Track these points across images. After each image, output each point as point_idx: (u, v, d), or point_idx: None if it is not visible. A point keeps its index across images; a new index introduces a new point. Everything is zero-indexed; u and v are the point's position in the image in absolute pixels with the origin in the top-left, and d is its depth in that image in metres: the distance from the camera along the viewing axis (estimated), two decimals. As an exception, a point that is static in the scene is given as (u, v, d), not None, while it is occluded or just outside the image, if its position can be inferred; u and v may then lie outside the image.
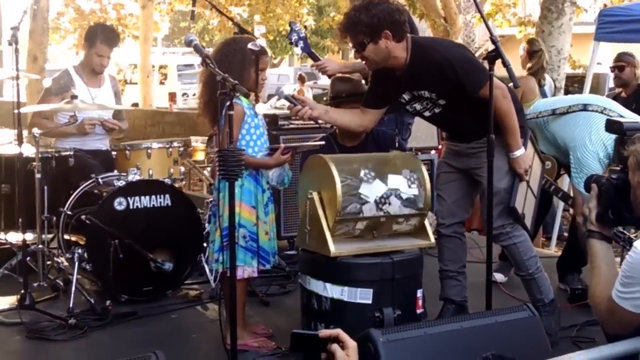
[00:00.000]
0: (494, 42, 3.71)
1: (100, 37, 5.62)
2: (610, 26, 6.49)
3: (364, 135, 4.48)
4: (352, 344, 2.13)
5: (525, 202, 4.27)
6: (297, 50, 5.25)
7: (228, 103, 3.35)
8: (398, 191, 3.76)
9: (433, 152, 6.61)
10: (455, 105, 4.02)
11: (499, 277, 5.63)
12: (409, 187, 3.79)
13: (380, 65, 3.99)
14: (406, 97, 4.07)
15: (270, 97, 21.77)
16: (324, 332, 2.13)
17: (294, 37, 5.13)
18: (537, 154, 4.43)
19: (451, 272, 4.37)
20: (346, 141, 4.52)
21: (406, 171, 3.83)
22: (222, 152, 3.33)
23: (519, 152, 4.09)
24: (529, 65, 6.77)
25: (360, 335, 2.76)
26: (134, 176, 4.94)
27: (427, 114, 4.14)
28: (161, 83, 25.58)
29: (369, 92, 4.25)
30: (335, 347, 2.10)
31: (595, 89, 13.70)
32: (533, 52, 6.83)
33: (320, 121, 4.15)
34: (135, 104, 21.93)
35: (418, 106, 4.11)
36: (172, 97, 22.76)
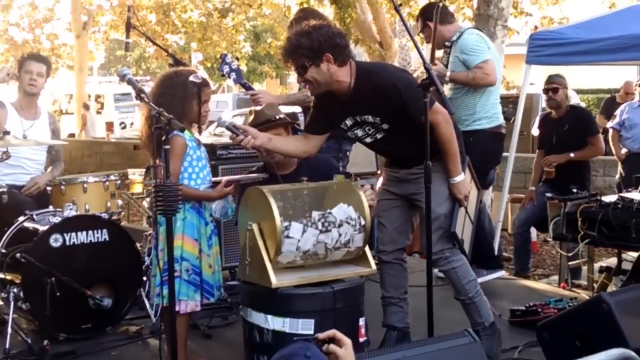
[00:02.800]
0: (427, 69, 3.75)
1: (26, 57, 5.66)
2: (541, 49, 6.62)
3: (296, 163, 4.45)
4: (347, 341, 2.36)
5: (464, 228, 4.32)
6: (230, 81, 5.24)
7: (164, 137, 3.32)
8: (337, 221, 3.75)
9: (372, 177, 6.64)
10: (397, 130, 4.04)
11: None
12: (348, 217, 3.79)
13: (323, 89, 3.99)
14: (348, 122, 4.09)
15: (210, 123, 21.73)
16: (322, 335, 2.36)
17: (226, 69, 5.11)
18: (473, 180, 4.48)
19: (393, 299, 4.38)
20: (280, 170, 4.38)
21: (345, 200, 3.82)
22: (160, 187, 3.30)
23: (459, 178, 4.13)
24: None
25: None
26: (69, 211, 4.86)
27: (368, 140, 4.15)
28: (98, 112, 25.26)
29: (312, 118, 4.24)
30: (333, 347, 2.31)
31: (528, 109, 13.96)
32: None
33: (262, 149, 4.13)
34: (72, 135, 21.63)
35: (359, 132, 4.12)
36: (110, 126, 22.50)
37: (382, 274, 4.39)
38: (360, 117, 4.04)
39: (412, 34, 4.05)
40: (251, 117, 4.47)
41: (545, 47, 6.62)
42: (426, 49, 5.77)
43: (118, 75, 3.71)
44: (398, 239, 4.35)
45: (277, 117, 4.44)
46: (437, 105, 3.97)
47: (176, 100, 3.93)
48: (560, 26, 10.00)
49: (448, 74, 5.56)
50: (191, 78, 4.02)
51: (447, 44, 5.86)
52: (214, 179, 4.14)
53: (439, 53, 6.09)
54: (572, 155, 6.74)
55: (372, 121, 4.04)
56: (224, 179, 4.07)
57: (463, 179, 4.15)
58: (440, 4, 5.88)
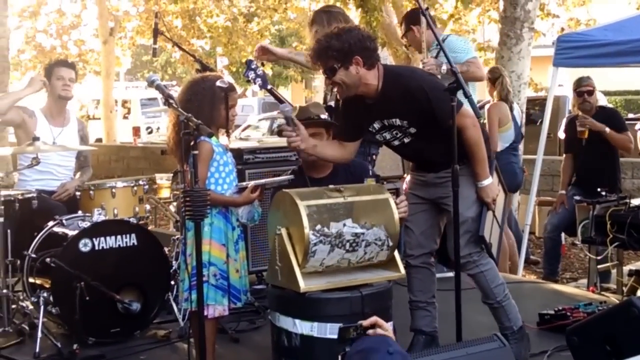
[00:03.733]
0: (454, 73, 3.74)
1: (55, 64, 5.71)
2: (569, 52, 6.59)
3: (332, 166, 4.43)
4: (389, 327, 2.60)
5: (492, 231, 4.30)
6: (255, 87, 5.25)
7: (192, 143, 3.34)
8: (365, 242, 3.74)
9: (398, 181, 6.62)
10: (425, 135, 4.04)
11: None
12: (378, 238, 3.77)
13: (351, 92, 3.98)
14: (376, 126, 4.09)
15: (235, 127, 21.80)
16: (365, 322, 2.60)
17: (251, 74, 5.13)
18: (501, 184, 4.46)
19: (421, 303, 4.37)
20: (313, 173, 4.40)
21: (378, 216, 3.80)
22: (188, 192, 3.32)
23: (486, 182, 4.12)
24: (495, 92, 6.93)
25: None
26: (98, 216, 4.89)
27: (396, 143, 4.15)
28: (125, 117, 25.44)
29: (343, 126, 4.25)
30: (380, 331, 2.55)
31: (555, 112, 13.86)
32: (494, 80, 6.98)
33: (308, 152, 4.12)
34: (99, 140, 21.80)
35: (387, 135, 4.12)
36: (136, 131, 22.60)
37: (409, 278, 4.36)
38: (388, 121, 4.04)
39: (437, 35, 4.04)
40: (295, 112, 4.44)
41: (572, 50, 6.58)
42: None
43: (146, 81, 3.73)
44: (425, 243, 4.33)
45: (321, 116, 4.43)
46: (464, 108, 3.97)
47: (204, 106, 3.95)
48: (588, 28, 9.94)
49: (444, 67, 5.53)
50: (218, 83, 4.03)
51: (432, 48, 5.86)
52: (240, 184, 4.15)
53: None
54: (607, 130, 6.68)
55: (400, 124, 4.03)
56: (251, 184, 4.08)
57: (491, 182, 4.14)
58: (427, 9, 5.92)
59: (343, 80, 3.92)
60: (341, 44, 3.86)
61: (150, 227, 6.98)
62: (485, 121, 6.89)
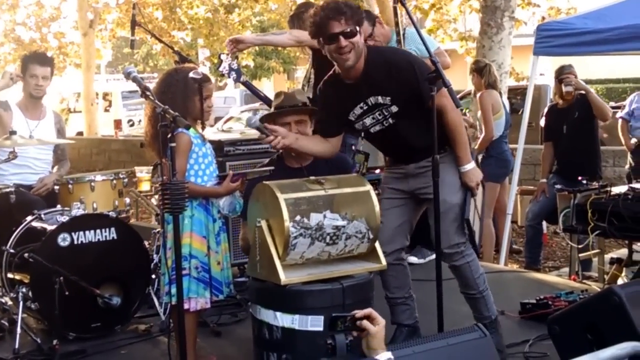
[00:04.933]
0: (433, 62, 3.73)
1: (30, 59, 5.58)
2: (549, 40, 6.59)
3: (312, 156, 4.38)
4: (382, 320, 2.63)
5: (474, 221, 4.29)
6: (230, 81, 5.21)
7: (170, 135, 3.31)
8: (346, 234, 3.73)
9: (378, 171, 6.61)
10: (407, 114, 3.99)
11: (413, 259, 6.09)
12: (359, 231, 3.76)
13: (353, 62, 3.90)
14: (357, 111, 4.05)
15: (217, 119, 21.73)
16: (359, 313, 2.62)
17: (226, 68, 5.07)
18: None
19: (399, 299, 4.36)
20: (293, 162, 4.38)
21: (359, 208, 3.79)
22: (166, 186, 3.28)
23: (469, 166, 4.11)
24: (483, 81, 6.94)
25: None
26: (77, 210, 4.85)
27: (377, 128, 4.08)
28: (106, 110, 25.27)
29: (324, 122, 4.20)
30: (366, 322, 2.59)
31: (537, 101, 13.91)
32: (481, 69, 7.00)
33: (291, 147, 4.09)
34: (80, 133, 21.65)
35: (368, 121, 4.07)
36: (118, 124, 22.49)
37: (384, 276, 4.31)
38: (369, 100, 3.99)
39: (418, 27, 4.02)
40: (279, 99, 4.41)
41: (553, 38, 6.59)
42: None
43: (123, 74, 3.70)
44: (397, 239, 4.26)
45: (306, 103, 4.39)
46: (445, 90, 3.91)
47: (178, 97, 3.92)
48: (568, 16, 9.96)
49: None
50: (191, 74, 4.00)
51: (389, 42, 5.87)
52: (220, 174, 4.12)
53: None
54: (592, 91, 6.75)
55: (382, 102, 3.98)
56: (230, 173, 4.05)
57: (474, 166, 4.13)
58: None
59: (358, 44, 3.89)
60: (358, 11, 3.91)
61: (131, 221, 6.94)
62: (477, 111, 6.90)
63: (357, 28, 3.88)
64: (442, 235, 3.98)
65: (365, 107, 4.04)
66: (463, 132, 4.08)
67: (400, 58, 4.02)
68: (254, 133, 6.18)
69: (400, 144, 4.18)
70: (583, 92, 6.80)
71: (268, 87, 35.35)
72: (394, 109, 4.00)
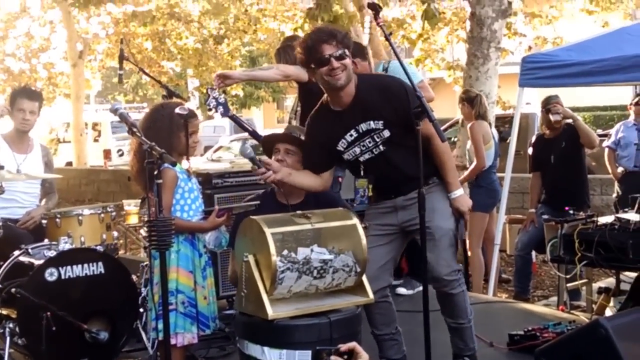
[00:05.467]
0: (418, 98, 3.76)
1: (19, 93, 5.59)
2: (534, 72, 6.65)
3: (304, 195, 4.37)
4: (366, 355, 2.62)
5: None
6: (217, 115, 5.22)
7: (156, 172, 3.32)
8: (333, 268, 3.73)
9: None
10: (398, 141, 4.00)
11: (402, 290, 6.11)
12: (346, 264, 3.77)
13: (345, 82, 3.96)
14: (348, 138, 4.04)
15: (207, 149, 21.76)
16: (343, 347, 2.63)
17: (212, 103, 5.08)
18: None
19: (386, 336, 4.34)
20: (284, 199, 4.33)
21: (346, 242, 3.80)
22: (152, 222, 3.29)
23: (459, 192, 4.14)
24: (473, 111, 6.99)
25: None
26: (65, 245, 4.83)
27: (366, 156, 4.07)
28: (95, 140, 25.28)
29: (314, 156, 4.19)
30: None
31: (525, 129, 14.00)
32: (472, 100, 7.05)
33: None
34: (69, 163, 21.63)
35: (358, 150, 4.07)
36: (107, 154, 22.51)
37: (370, 314, 4.29)
38: (361, 127, 4.00)
39: (400, 59, 4.05)
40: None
41: (538, 70, 6.65)
42: None
43: (110, 110, 3.72)
44: (382, 276, 4.23)
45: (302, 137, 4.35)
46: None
47: (162, 133, 3.95)
48: (554, 47, 10.05)
49: None
50: (177, 110, 4.02)
51: None
52: (205, 209, 4.13)
53: None
54: (579, 119, 6.76)
55: (374, 127, 4.00)
56: (216, 208, 4.07)
57: (463, 192, 4.17)
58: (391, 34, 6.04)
59: (348, 66, 3.94)
60: (347, 36, 4.01)
61: (120, 252, 6.93)
62: (466, 140, 6.95)
63: (347, 52, 3.93)
64: (441, 262, 4.03)
65: (355, 135, 4.04)
66: (452, 159, 4.14)
67: (392, 81, 4.09)
68: (244, 163, 6.21)
69: (390, 173, 4.14)
70: (570, 121, 6.85)
71: (258, 115, 35.47)
72: (386, 133, 4.01)
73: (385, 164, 4.10)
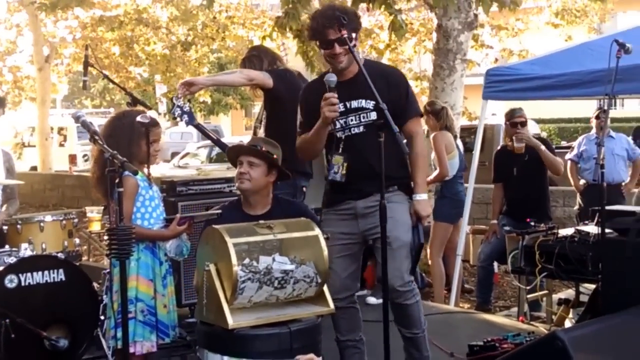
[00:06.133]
0: (380, 109, 3.78)
1: None
2: (497, 85, 6.74)
3: (269, 204, 4.34)
4: None
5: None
6: (182, 124, 5.22)
7: (117, 180, 3.32)
8: (294, 279, 3.76)
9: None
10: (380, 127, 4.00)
11: (372, 300, 6.16)
12: (307, 275, 3.79)
13: (346, 66, 4.07)
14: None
15: (173, 155, 21.65)
16: (302, 358, 2.72)
17: (177, 111, 5.09)
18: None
19: (350, 342, 4.37)
20: (249, 209, 4.31)
21: (308, 253, 3.82)
22: (112, 231, 3.28)
23: (424, 195, 4.18)
24: (439, 124, 7.03)
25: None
26: (25, 251, 4.81)
27: (346, 133, 4.12)
28: (61, 145, 25.02)
29: (310, 126, 4.14)
30: None
31: (490, 140, 14.12)
32: (437, 112, 7.09)
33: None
34: (34, 167, 21.40)
35: (338, 123, 4.10)
36: (73, 159, 22.26)
37: (335, 319, 4.31)
38: (351, 103, 4.06)
39: (362, 68, 4.03)
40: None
41: (501, 83, 6.74)
42: None
43: (72, 117, 3.70)
44: (351, 285, 4.31)
45: (269, 150, 4.29)
46: (420, 119, 4.19)
47: (122, 142, 3.94)
48: (519, 60, 10.16)
49: None
50: (139, 118, 4.01)
51: None
52: (167, 217, 4.12)
53: None
54: (543, 148, 6.77)
55: (364, 106, 4.06)
56: (177, 217, 4.06)
57: (426, 199, 4.20)
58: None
59: (350, 53, 4.02)
60: (354, 18, 4.06)
61: (83, 259, 6.88)
62: (431, 151, 7.00)
63: (353, 35, 4.01)
64: (395, 273, 4.04)
65: (342, 109, 4.07)
66: (426, 163, 4.26)
67: (395, 72, 4.25)
68: (210, 170, 6.20)
69: (360, 160, 4.10)
70: (534, 135, 6.93)
71: (226, 123, 35.37)
72: (373, 115, 4.05)
73: (359, 147, 4.10)
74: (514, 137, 6.84)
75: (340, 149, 4.09)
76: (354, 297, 4.38)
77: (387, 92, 4.01)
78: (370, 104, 4.05)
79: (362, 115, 4.08)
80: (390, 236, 4.01)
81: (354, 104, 4.07)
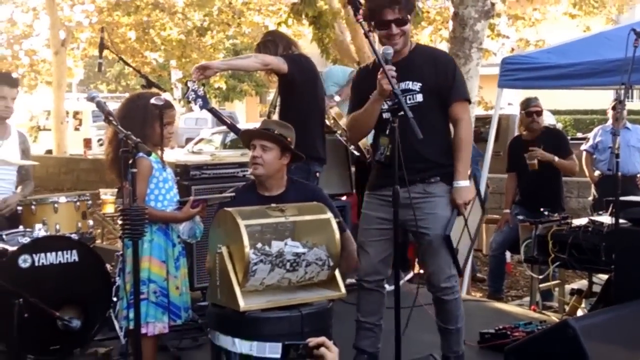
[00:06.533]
0: (395, 94, 3.76)
1: (0, 80, 5.51)
2: (513, 74, 6.70)
3: (284, 186, 4.36)
4: (335, 349, 2.60)
5: (461, 240, 4.28)
6: (197, 109, 5.21)
7: (131, 160, 3.32)
8: (306, 262, 3.76)
9: (344, 198, 6.65)
10: (427, 109, 4.05)
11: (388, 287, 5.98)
12: (319, 258, 3.79)
13: (401, 46, 4.08)
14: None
15: (188, 141, 21.68)
16: (313, 341, 2.61)
17: (192, 95, 5.07)
18: (479, 199, 4.51)
19: (368, 324, 4.37)
20: (264, 191, 4.32)
21: (319, 236, 3.82)
22: (126, 211, 3.29)
23: (464, 183, 4.13)
24: None
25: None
26: (39, 232, 4.83)
27: (388, 115, 4.00)
28: (76, 129, 25.14)
29: (360, 106, 4.15)
30: (324, 350, 2.57)
31: (505, 130, 14.07)
32: None
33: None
34: (49, 151, 21.51)
35: (385, 105, 4.04)
36: (87, 143, 22.36)
37: (360, 299, 4.36)
38: (400, 85, 3.96)
39: (379, 56, 4.01)
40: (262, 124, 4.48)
41: (517, 72, 6.70)
42: None
43: (87, 98, 3.71)
44: (382, 269, 4.30)
45: (281, 133, 4.28)
46: (468, 105, 4.17)
47: (136, 123, 3.94)
48: (534, 50, 10.10)
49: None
50: (153, 101, 4.01)
51: None
52: (180, 199, 4.13)
53: None
54: (556, 159, 6.77)
55: (410, 88, 4.07)
56: (191, 199, 4.07)
57: (468, 185, 4.16)
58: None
59: (407, 32, 4.06)
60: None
61: (97, 242, 6.90)
62: None
63: (408, 16, 4.04)
64: (437, 271, 4.13)
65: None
66: (470, 149, 4.17)
67: (445, 55, 4.27)
68: (224, 156, 6.21)
69: (405, 144, 3.91)
70: (548, 124, 6.90)
71: (240, 109, 35.39)
72: (419, 97, 4.07)
73: (402, 130, 3.93)
74: (526, 156, 6.83)
75: (387, 131, 4.00)
76: (383, 282, 4.37)
77: (435, 75, 4.08)
78: (417, 86, 4.07)
79: (408, 97, 4.05)
80: (431, 234, 4.09)
81: (402, 85, 4.03)
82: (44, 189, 15.78)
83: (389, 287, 6.08)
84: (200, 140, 20.02)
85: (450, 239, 4.11)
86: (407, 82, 4.08)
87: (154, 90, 4.40)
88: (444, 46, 14.60)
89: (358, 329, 4.40)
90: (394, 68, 3.82)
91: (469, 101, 4.21)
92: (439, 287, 4.18)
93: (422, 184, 4.10)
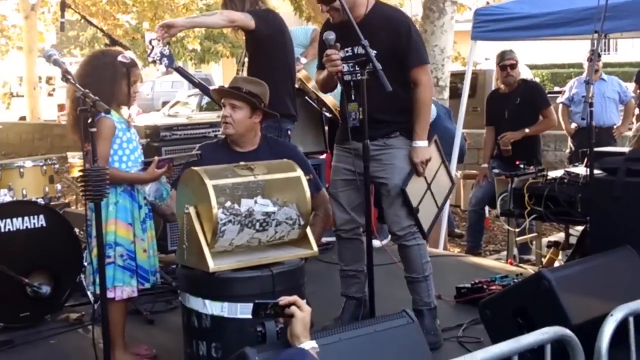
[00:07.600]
0: (363, 47, 3.69)
1: None
2: (486, 25, 6.61)
3: (257, 143, 4.33)
4: (307, 308, 2.60)
5: (422, 202, 4.25)
6: (162, 67, 5.05)
7: (90, 120, 3.21)
8: (276, 221, 3.68)
9: (321, 156, 6.56)
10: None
11: (376, 243, 5.91)
12: (289, 217, 3.71)
13: (342, 16, 3.98)
14: (342, 54, 4.02)
15: (164, 104, 21.48)
16: (284, 300, 2.61)
17: (157, 55, 4.85)
18: (445, 167, 4.50)
19: (352, 272, 4.45)
20: (237, 147, 4.30)
21: (290, 194, 3.75)
22: (85, 172, 3.19)
23: (422, 143, 4.16)
24: None
25: (235, 355, 2.73)
26: (5, 197, 4.73)
27: (348, 78, 4.10)
28: (49, 94, 24.82)
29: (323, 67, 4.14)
30: (294, 308, 2.57)
31: (482, 85, 14.02)
32: None
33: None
34: (23, 117, 21.24)
35: (345, 67, 4.06)
36: (62, 108, 22.06)
37: (340, 249, 4.45)
38: (356, 48, 4.01)
39: (350, 15, 3.91)
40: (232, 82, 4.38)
41: (490, 23, 6.62)
42: None
43: (43, 56, 3.58)
44: (356, 217, 4.34)
45: (250, 90, 4.22)
46: (427, 67, 4.12)
47: (105, 81, 3.81)
48: (505, 2, 10.00)
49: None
50: (120, 58, 3.88)
51: None
52: (145, 160, 4.02)
53: None
54: (527, 130, 6.74)
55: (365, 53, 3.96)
56: (155, 159, 3.96)
57: (426, 146, 4.18)
58: None
59: (338, 8, 3.97)
60: None
61: (72, 208, 6.79)
62: None
63: None
64: (394, 219, 4.19)
65: (350, 54, 4.08)
66: (429, 112, 4.21)
67: (400, 17, 4.15)
68: (200, 118, 6.09)
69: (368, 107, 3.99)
70: (525, 77, 6.84)
71: (217, 71, 35.06)
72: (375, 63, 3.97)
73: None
74: (500, 144, 6.79)
75: (352, 96, 4.04)
76: (359, 229, 4.40)
77: (387, 35, 4.04)
78: (373, 53, 3.94)
79: (364, 62, 3.96)
80: (389, 184, 4.14)
81: (358, 49, 3.99)
82: (18, 155, 15.59)
83: (379, 244, 6.06)
84: (176, 103, 19.84)
85: (406, 193, 4.14)
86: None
87: (118, 48, 4.24)
88: (418, 3, 14.47)
89: (343, 277, 4.48)
90: (335, 52, 3.89)
91: (427, 63, 4.18)
92: (394, 234, 4.26)
93: (382, 139, 4.15)
